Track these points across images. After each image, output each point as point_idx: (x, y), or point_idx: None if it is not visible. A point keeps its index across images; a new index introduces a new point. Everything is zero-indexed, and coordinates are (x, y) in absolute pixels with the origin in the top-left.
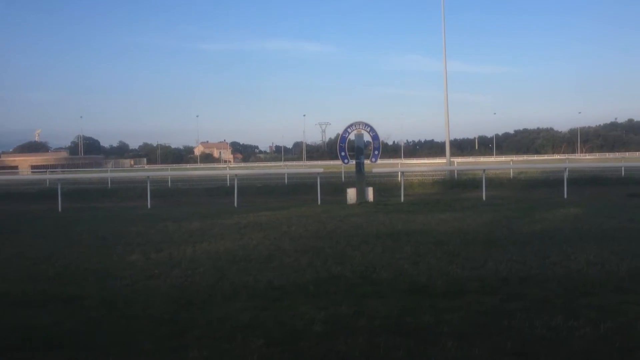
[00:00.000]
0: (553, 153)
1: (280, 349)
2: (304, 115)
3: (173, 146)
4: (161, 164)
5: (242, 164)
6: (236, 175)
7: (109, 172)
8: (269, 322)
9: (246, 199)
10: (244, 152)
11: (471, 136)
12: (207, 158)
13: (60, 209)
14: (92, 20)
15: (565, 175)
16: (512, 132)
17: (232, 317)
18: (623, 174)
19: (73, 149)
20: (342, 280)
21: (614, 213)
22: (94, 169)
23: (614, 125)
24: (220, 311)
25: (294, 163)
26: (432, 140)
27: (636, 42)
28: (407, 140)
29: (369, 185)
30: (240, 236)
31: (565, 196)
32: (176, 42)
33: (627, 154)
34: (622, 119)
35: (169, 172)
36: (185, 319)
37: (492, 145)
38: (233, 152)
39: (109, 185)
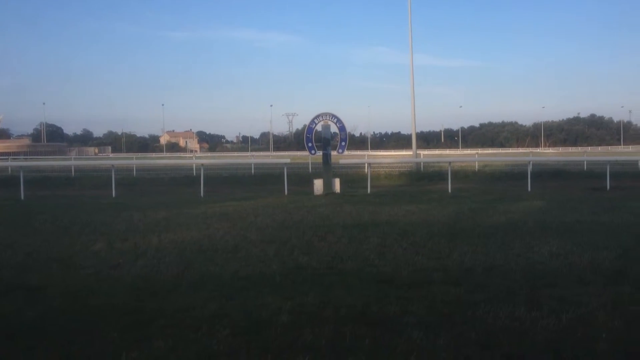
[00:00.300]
0: (517, 147)
1: (246, 338)
2: (271, 106)
3: (138, 135)
4: (126, 152)
5: (209, 154)
6: (202, 164)
7: (73, 160)
8: (235, 312)
9: (213, 188)
10: (211, 141)
11: (438, 129)
12: (173, 147)
13: (22, 197)
14: (56, 4)
15: (529, 168)
16: (477, 125)
17: (198, 307)
18: (585, 167)
19: (36, 137)
20: (309, 270)
21: (576, 206)
22: (57, 157)
23: (576, 120)
24: (185, 301)
25: (261, 153)
26: (399, 133)
27: (599, 38)
28: (374, 132)
29: (336, 176)
30: (206, 226)
31: (529, 189)
32: (142, 30)
33: (589, 148)
34: (584, 114)
35: (134, 160)
36: (150, 309)
37: (458, 138)
38: (199, 142)
39: (73, 173)
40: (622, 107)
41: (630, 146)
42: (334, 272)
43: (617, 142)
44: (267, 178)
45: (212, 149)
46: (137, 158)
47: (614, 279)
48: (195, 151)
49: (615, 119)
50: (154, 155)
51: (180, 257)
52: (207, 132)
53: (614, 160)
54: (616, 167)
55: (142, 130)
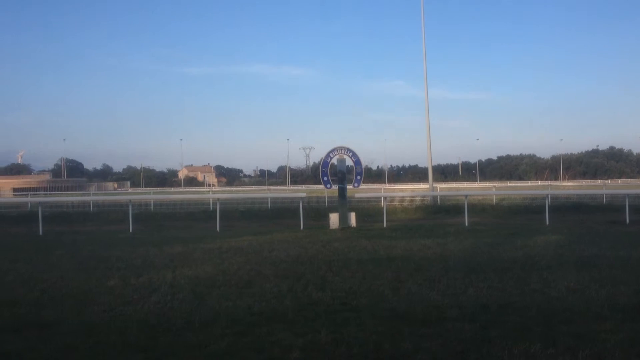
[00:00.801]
0: (536, 179)
1: None
2: (288, 140)
3: (157, 169)
4: (145, 187)
5: (226, 188)
6: (218, 199)
7: (92, 195)
8: (246, 349)
9: (229, 223)
10: (228, 175)
11: (455, 162)
12: (191, 181)
13: (41, 232)
14: (76, 40)
15: (547, 201)
16: (495, 158)
17: (210, 344)
18: (604, 201)
19: (56, 172)
20: (322, 306)
21: (595, 240)
22: (76, 192)
23: (595, 153)
24: (197, 337)
25: (278, 187)
26: (416, 166)
27: (616, 70)
28: (391, 165)
29: (351, 210)
30: (221, 261)
31: (547, 222)
32: (160, 66)
33: (608, 181)
34: (603, 146)
35: (151, 195)
36: (162, 346)
37: (476, 171)
38: (217, 176)
39: (91, 208)
40: None
41: None
42: (348, 308)
43: (638, 174)
44: (283, 212)
45: (229, 183)
46: (154, 193)
47: (632, 315)
48: (213, 185)
49: (635, 151)
50: (172, 189)
51: (193, 292)
52: (225, 167)
53: (634, 193)
54: (636, 200)
55: (161, 165)
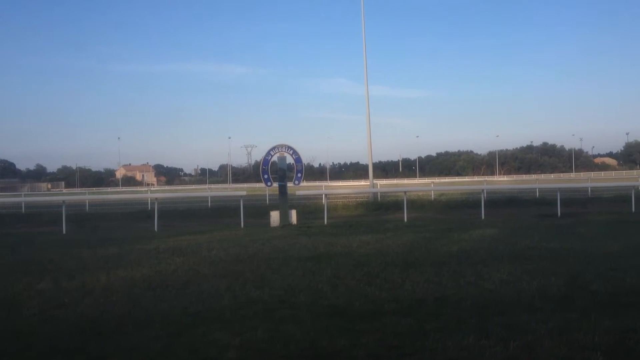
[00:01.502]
0: (473, 175)
1: None
2: (230, 138)
3: (94, 169)
4: (81, 187)
5: (166, 187)
6: (157, 198)
7: (23, 197)
8: (181, 350)
9: (167, 223)
10: (168, 175)
11: (395, 158)
12: (130, 181)
13: None
14: (7, 39)
15: (483, 196)
16: (434, 154)
17: (143, 346)
18: (537, 195)
19: None
20: (260, 304)
21: (527, 233)
22: (7, 194)
23: (530, 149)
24: (131, 340)
25: (219, 186)
26: (358, 163)
27: (550, 68)
28: (333, 162)
29: (292, 207)
30: (158, 262)
31: (483, 217)
32: (96, 63)
33: (542, 176)
34: (537, 142)
35: (86, 195)
36: (94, 350)
37: (416, 167)
38: (157, 175)
39: (23, 209)
40: (573, 135)
41: (582, 173)
42: (286, 306)
43: (569, 169)
44: (224, 211)
45: (169, 182)
46: (90, 193)
47: (562, 305)
48: (152, 185)
49: (567, 147)
50: (109, 189)
51: (128, 295)
52: (165, 165)
53: (565, 187)
54: (567, 194)
55: (97, 164)
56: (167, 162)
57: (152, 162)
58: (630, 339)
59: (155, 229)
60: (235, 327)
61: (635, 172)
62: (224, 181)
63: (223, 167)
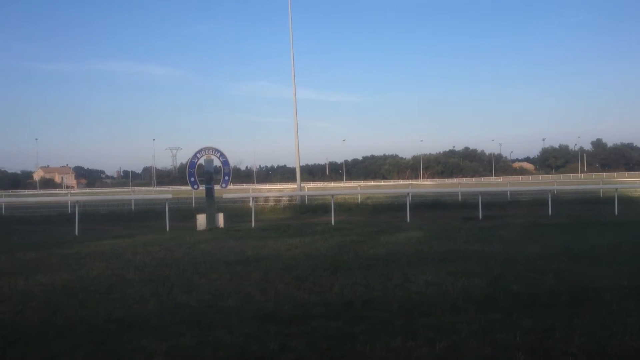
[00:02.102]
0: (398, 179)
1: None
2: (154, 140)
3: (9, 171)
4: None
5: (87, 190)
6: (77, 201)
7: None
8: (106, 357)
9: (89, 226)
10: (89, 177)
11: (322, 162)
12: (48, 183)
13: None
14: None
15: (408, 200)
16: (360, 158)
17: (65, 355)
18: (460, 198)
19: None
20: (188, 309)
21: (451, 235)
22: None
23: (452, 153)
24: (52, 348)
25: (143, 189)
26: (285, 166)
27: (470, 74)
28: (259, 165)
29: (220, 211)
30: (79, 266)
31: (408, 220)
32: (12, 61)
33: (464, 180)
34: (459, 146)
35: (2, 198)
36: (13, 358)
37: (342, 171)
38: (77, 177)
39: None
40: (493, 140)
41: (501, 177)
42: (214, 310)
43: (489, 173)
44: (148, 214)
45: (90, 184)
46: (6, 195)
47: (485, 305)
48: (72, 187)
49: (487, 152)
50: (26, 192)
51: (48, 301)
52: (86, 167)
53: (486, 191)
54: (488, 197)
55: (13, 166)
56: (88, 164)
57: (72, 164)
58: (549, 339)
59: (76, 232)
60: (162, 333)
61: (551, 176)
62: (149, 184)
63: (147, 170)
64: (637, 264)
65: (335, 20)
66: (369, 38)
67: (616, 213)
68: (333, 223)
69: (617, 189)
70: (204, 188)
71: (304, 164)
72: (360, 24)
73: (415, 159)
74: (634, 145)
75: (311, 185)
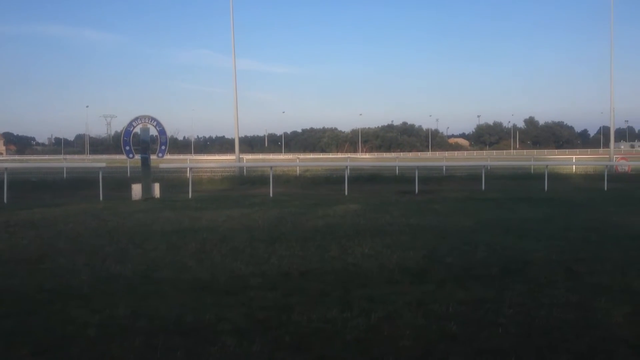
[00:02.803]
0: (337, 152)
1: (47, 357)
2: (87, 107)
3: None
4: None
5: (16, 157)
6: (6, 168)
7: None
8: (36, 328)
9: (19, 194)
10: (19, 143)
11: (262, 134)
12: None
13: None
14: None
15: (347, 173)
16: (300, 130)
17: None
18: (397, 172)
19: None
20: (121, 280)
21: (388, 209)
22: None
23: (390, 128)
24: None
25: (76, 157)
26: (224, 137)
27: (410, 49)
28: (198, 135)
29: (156, 181)
30: (8, 235)
31: (347, 193)
32: None
33: (401, 154)
34: (397, 121)
35: None
36: None
37: (282, 143)
38: (6, 144)
39: None
40: (430, 116)
41: (437, 152)
42: (149, 281)
43: (426, 148)
44: (81, 183)
45: (20, 151)
46: None
47: (419, 277)
48: (1, 154)
49: (425, 127)
50: None
51: None
52: (15, 134)
53: (422, 165)
54: (424, 172)
55: None
56: (18, 130)
57: (1, 130)
58: (480, 309)
59: (5, 200)
60: (95, 304)
61: (485, 152)
62: (81, 152)
63: (80, 137)
64: (565, 238)
65: None
66: (311, 9)
67: (546, 189)
68: (272, 195)
69: (547, 165)
70: (140, 157)
71: (243, 136)
72: None
73: (354, 132)
74: (564, 123)
75: (250, 156)
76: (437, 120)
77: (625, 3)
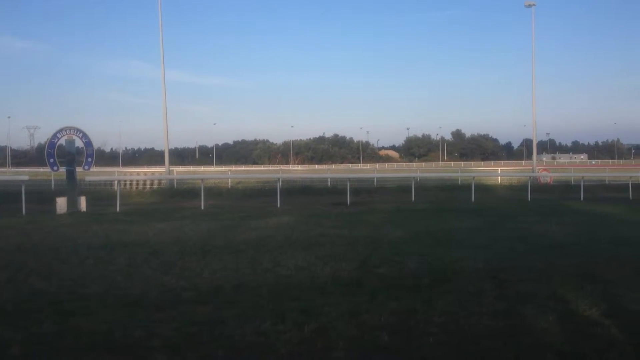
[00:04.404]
0: (269, 164)
1: None
2: (9, 117)
3: None
4: None
5: None
6: None
7: None
8: None
9: None
10: None
11: (192, 145)
12: None
13: None
14: None
15: (279, 185)
16: (231, 142)
17: None
18: (329, 184)
19: None
20: (47, 296)
21: (320, 221)
22: None
23: (322, 139)
24: None
25: None
26: (153, 149)
27: (340, 63)
28: (126, 147)
29: (82, 194)
30: None
31: (279, 205)
32: None
33: (333, 166)
34: (329, 133)
35: None
36: None
37: (213, 155)
38: None
39: None
40: (361, 128)
41: (368, 164)
42: (76, 297)
43: (357, 160)
44: (2, 197)
45: None
46: None
47: (352, 289)
48: None
49: (356, 139)
50: None
51: None
52: None
53: (354, 177)
54: (355, 183)
55: None
56: None
57: None
58: (412, 319)
59: None
60: (19, 322)
61: (414, 164)
62: (3, 164)
63: (1, 149)
64: (491, 248)
65: (208, 3)
66: (242, 19)
67: (473, 200)
68: (203, 208)
69: (473, 177)
70: (65, 170)
71: (174, 147)
72: (234, 6)
73: (286, 144)
74: (490, 136)
75: (181, 169)
76: (367, 132)
77: (547, 21)
